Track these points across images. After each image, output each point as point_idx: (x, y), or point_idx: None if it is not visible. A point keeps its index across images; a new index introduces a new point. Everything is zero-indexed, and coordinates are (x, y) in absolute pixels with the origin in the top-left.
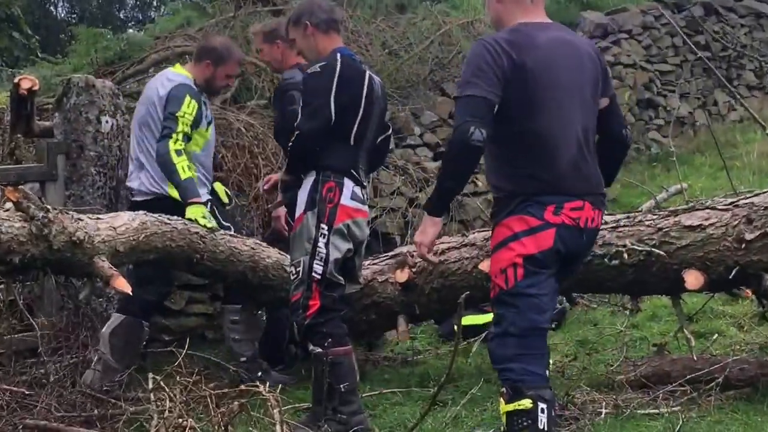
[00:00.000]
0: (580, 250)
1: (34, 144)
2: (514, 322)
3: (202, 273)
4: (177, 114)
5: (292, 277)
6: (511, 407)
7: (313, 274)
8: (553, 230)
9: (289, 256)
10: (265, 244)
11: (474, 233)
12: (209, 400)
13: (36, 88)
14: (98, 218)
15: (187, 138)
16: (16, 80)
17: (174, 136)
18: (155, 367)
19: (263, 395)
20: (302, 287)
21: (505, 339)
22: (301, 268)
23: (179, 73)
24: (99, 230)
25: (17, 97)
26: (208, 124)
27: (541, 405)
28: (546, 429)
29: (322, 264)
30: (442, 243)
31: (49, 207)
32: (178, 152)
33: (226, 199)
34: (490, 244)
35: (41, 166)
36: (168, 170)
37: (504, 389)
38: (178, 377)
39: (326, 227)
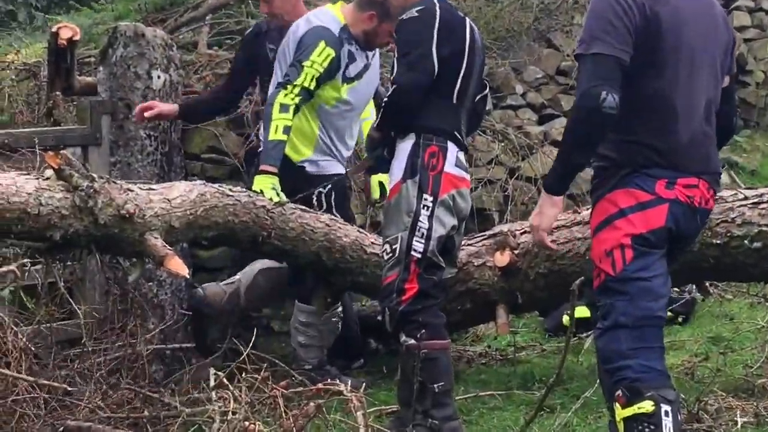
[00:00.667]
0: (690, 232)
1: (75, 103)
2: (625, 311)
3: (269, 253)
4: (304, 63)
5: (385, 257)
6: (629, 412)
7: (412, 252)
8: (665, 206)
9: (367, 234)
10: (341, 219)
11: (587, 210)
12: (279, 400)
13: (77, 38)
14: (150, 189)
15: (307, 93)
16: (54, 29)
17: (289, 87)
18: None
19: (344, 395)
20: (398, 268)
21: (616, 332)
22: (398, 245)
23: (327, 14)
24: (151, 202)
25: (55, 48)
26: (350, 79)
27: (665, 407)
28: None
29: (423, 241)
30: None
31: (94, 175)
32: (284, 107)
33: (376, 195)
34: (590, 223)
35: (83, 128)
36: (264, 124)
37: (619, 392)
38: (242, 374)
39: (430, 198)
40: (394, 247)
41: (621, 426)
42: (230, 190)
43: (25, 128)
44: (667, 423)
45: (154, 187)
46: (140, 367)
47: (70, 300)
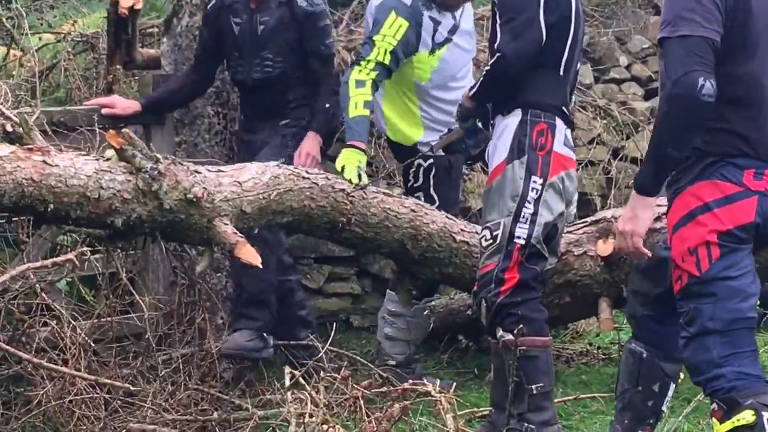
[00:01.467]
0: None
1: (137, 77)
2: (713, 315)
3: (348, 242)
4: (374, 38)
5: (484, 243)
6: (728, 426)
7: (515, 240)
8: (754, 198)
9: (456, 220)
10: (428, 205)
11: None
12: (360, 402)
13: (139, 6)
14: (219, 171)
15: (384, 68)
16: None
17: (362, 63)
18: (289, 360)
19: (432, 396)
20: (498, 256)
21: (704, 340)
22: (499, 232)
23: None
24: (221, 186)
25: (115, 18)
26: (439, 45)
27: (767, 414)
28: None
29: (528, 227)
30: (657, 206)
31: (159, 156)
32: (360, 83)
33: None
34: (669, 220)
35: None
36: (342, 104)
37: (714, 405)
38: (320, 373)
39: (540, 181)
40: (495, 233)
41: None
42: (307, 171)
43: (83, 105)
44: None
45: (223, 169)
46: (208, 366)
47: (133, 292)
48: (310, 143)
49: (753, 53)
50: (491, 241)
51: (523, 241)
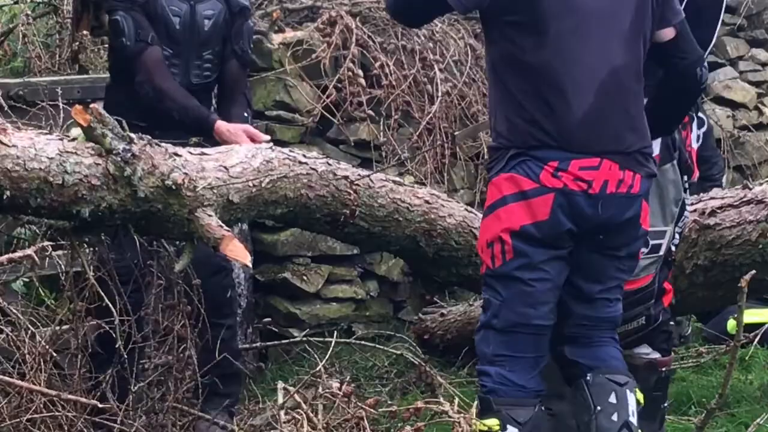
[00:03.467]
0: (602, 221)
1: (106, 45)
2: (498, 313)
3: (352, 238)
4: None
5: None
6: (478, 425)
7: (673, 248)
8: (550, 196)
9: (476, 213)
10: (444, 195)
11: (761, 184)
12: (364, 423)
13: None
14: (203, 153)
15: None
16: None
17: None
18: (281, 374)
19: (450, 418)
20: (655, 267)
21: (487, 333)
22: (664, 242)
23: None
24: (204, 171)
25: None
26: None
27: (511, 428)
28: None
29: (679, 233)
30: (713, 199)
31: (133, 136)
32: None
33: None
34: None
35: None
36: None
37: (476, 401)
38: (318, 389)
39: (688, 182)
40: (657, 242)
41: None
42: (304, 156)
43: (44, 77)
44: None
45: (207, 151)
46: (189, 378)
47: (102, 294)
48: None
49: (547, 42)
50: (646, 250)
51: (674, 248)
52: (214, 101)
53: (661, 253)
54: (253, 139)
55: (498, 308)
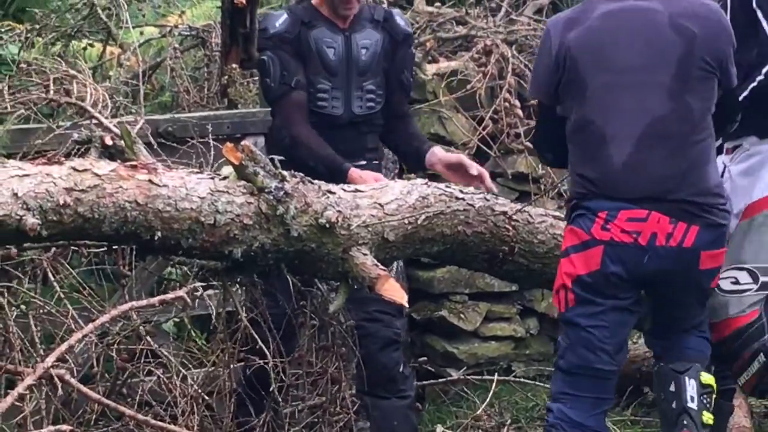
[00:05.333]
0: (654, 273)
1: (257, 78)
2: (564, 354)
3: (511, 275)
4: None
5: (733, 287)
6: None
7: None
8: (600, 248)
9: None
10: None
11: None
12: None
13: None
14: (357, 191)
15: None
16: None
17: None
18: (438, 415)
19: None
20: (760, 305)
21: (555, 373)
22: None
23: None
24: (358, 209)
25: (231, 8)
26: None
27: None
28: None
29: None
30: None
31: (285, 174)
32: None
33: None
34: None
35: (267, 111)
36: None
37: None
38: None
39: None
40: (765, 279)
41: None
42: (461, 191)
43: (192, 112)
44: None
45: (361, 188)
46: (343, 423)
47: (254, 335)
48: (443, 152)
49: (585, 97)
50: (755, 286)
51: None
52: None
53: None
54: None
55: (564, 350)
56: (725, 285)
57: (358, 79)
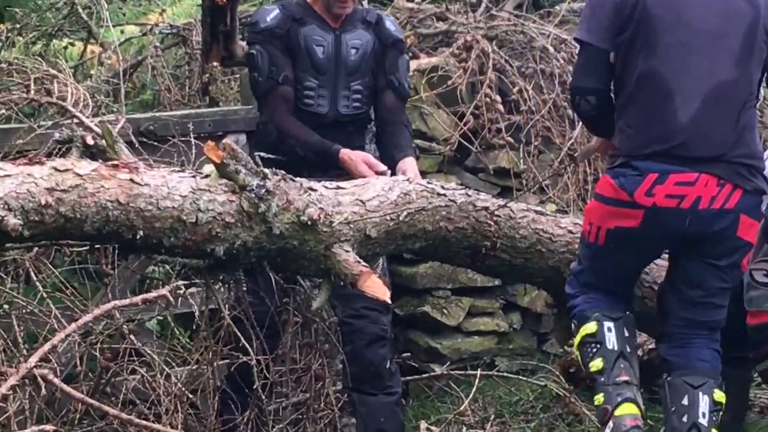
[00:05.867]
0: (690, 233)
1: (238, 76)
2: (583, 270)
3: (493, 270)
4: None
5: (762, 279)
6: (578, 339)
7: None
8: (641, 212)
9: None
10: None
11: None
12: None
13: None
14: (338, 187)
15: None
16: None
17: None
18: (422, 411)
19: None
20: None
21: (573, 279)
22: None
23: None
24: (340, 206)
25: (211, 6)
26: None
27: (607, 324)
28: (616, 348)
29: None
30: None
31: (267, 171)
32: None
33: None
34: None
35: (248, 108)
36: None
37: (572, 326)
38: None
39: None
40: None
41: (577, 354)
42: (442, 187)
43: (174, 110)
44: (610, 337)
45: (343, 185)
46: (327, 420)
47: (237, 333)
48: (412, 167)
49: (656, 51)
50: None
51: None
52: (367, 138)
53: None
54: (371, 168)
55: (583, 269)
56: (759, 277)
57: (346, 79)
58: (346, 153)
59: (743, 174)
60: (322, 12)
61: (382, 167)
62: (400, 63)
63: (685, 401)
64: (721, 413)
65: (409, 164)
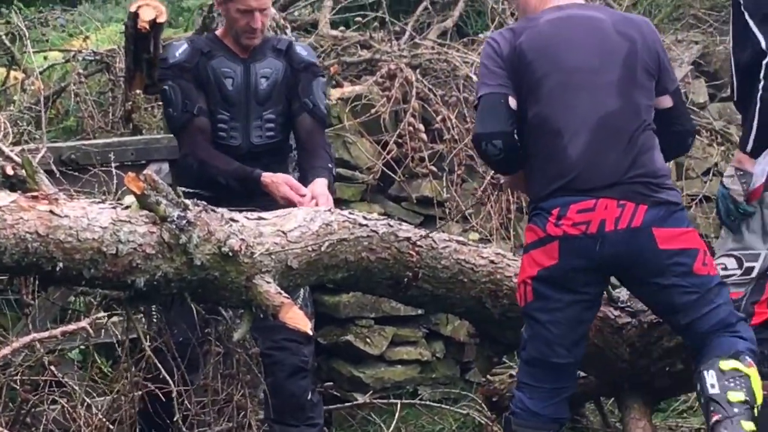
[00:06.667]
0: (609, 258)
1: (161, 103)
2: (525, 346)
3: (416, 300)
4: None
5: (724, 273)
6: None
7: None
8: (555, 244)
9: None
10: (510, 254)
11: None
12: None
13: (162, 19)
14: (260, 218)
15: None
16: (132, 8)
17: None
18: None
19: None
20: (745, 288)
21: (519, 362)
22: (757, 264)
23: None
24: (262, 236)
25: (134, 33)
26: None
27: None
28: None
29: None
30: None
31: (188, 202)
32: None
33: None
34: None
35: (171, 137)
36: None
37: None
38: None
39: None
40: (749, 265)
41: None
42: (364, 217)
43: (96, 138)
44: None
45: (264, 215)
46: None
47: (158, 364)
48: (321, 189)
49: (540, 95)
50: (740, 271)
51: None
52: (290, 167)
53: (754, 275)
54: (294, 191)
55: (525, 342)
56: (720, 270)
57: (257, 109)
58: (268, 176)
59: (642, 192)
60: (231, 44)
61: (305, 190)
62: (314, 85)
63: (698, 387)
64: (742, 377)
65: (318, 185)
